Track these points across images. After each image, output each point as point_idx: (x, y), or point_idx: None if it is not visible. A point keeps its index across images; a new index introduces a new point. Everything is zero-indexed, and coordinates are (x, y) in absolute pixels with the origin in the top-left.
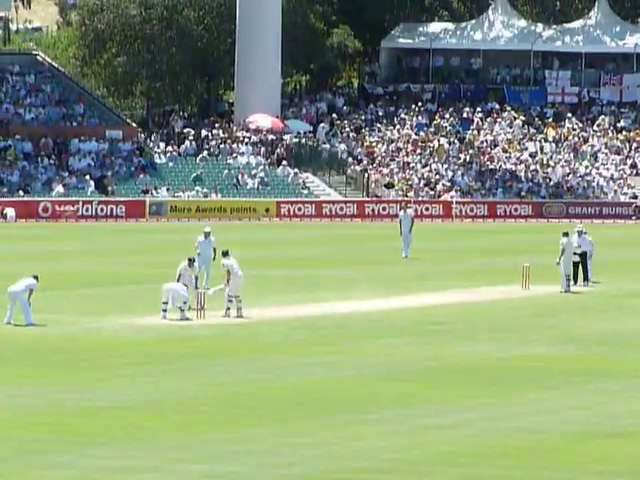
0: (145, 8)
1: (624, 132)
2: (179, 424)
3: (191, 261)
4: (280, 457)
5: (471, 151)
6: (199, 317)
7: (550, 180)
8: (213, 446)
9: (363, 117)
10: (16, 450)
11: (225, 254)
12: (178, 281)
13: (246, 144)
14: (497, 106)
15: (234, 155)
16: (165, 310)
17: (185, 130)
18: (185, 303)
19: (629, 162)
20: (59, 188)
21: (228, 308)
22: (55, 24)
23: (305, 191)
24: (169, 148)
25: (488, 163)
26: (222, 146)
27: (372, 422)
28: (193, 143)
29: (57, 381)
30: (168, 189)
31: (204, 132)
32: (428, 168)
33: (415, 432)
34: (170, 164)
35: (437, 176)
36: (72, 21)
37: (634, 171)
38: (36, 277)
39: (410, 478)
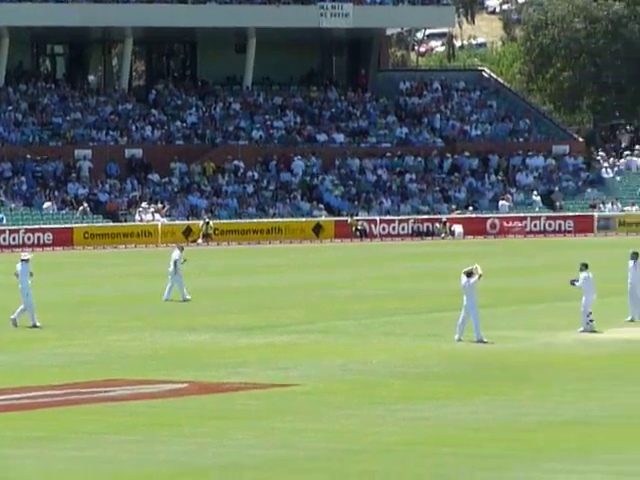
0: (590, 22)
1: None
2: (628, 439)
3: None
4: None
5: None
6: None
7: None
8: None
9: None
10: (469, 466)
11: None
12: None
13: None
14: None
15: None
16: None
17: (632, 144)
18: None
19: None
20: (505, 204)
21: None
22: (499, 39)
23: None
24: (616, 162)
25: None
26: None
27: None
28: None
29: (506, 396)
30: (613, 203)
31: None
32: None
33: None
34: (617, 178)
35: None
36: (516, 36)
37: None
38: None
39: None
